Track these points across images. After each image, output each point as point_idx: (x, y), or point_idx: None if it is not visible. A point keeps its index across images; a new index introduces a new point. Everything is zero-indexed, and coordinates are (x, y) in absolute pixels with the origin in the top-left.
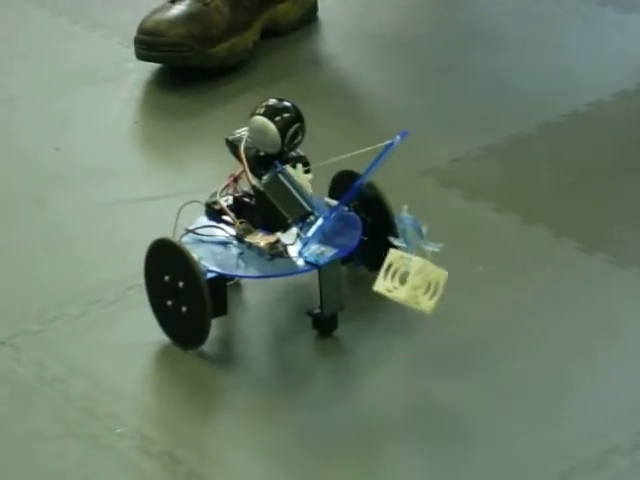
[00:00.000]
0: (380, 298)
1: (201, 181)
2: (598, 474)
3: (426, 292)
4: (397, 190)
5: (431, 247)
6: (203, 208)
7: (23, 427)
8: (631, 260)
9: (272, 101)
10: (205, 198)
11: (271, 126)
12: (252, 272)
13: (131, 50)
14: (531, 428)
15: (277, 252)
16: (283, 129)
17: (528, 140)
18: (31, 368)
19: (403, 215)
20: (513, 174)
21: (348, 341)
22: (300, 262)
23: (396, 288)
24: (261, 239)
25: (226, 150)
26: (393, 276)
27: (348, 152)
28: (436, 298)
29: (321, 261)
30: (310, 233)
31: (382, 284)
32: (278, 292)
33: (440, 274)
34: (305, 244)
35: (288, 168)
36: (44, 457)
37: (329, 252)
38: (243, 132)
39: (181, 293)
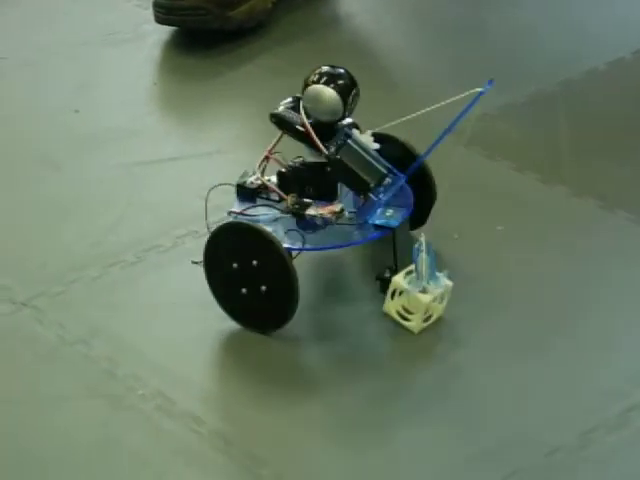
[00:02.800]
0: None
1: (221, 142)
2: (619, 433)
3: (434, 303)
4: (417, 149)
5: (440, 288)
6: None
7: (45, 388)
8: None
9: (325, 68)
10: (222, 160)
11: (332, 93)
12: (331, 243)
13: (149, 11)
14: (550, 386)
15: (341, 220)
16: (343, 95)
17: (548, 99)
18: (52, 330)
19: (419, 249)
20: (533, 133)
21: None
22: (367, 228)
23: (407, 319)
24: (324, 210)
25: (246, 111)
26: (400, 295)
27: (373, 111)
28: (443, 304)
29: (393, 222)
30: (386, 195)
31: (391, 306)
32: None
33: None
34: (379, 207)
35: (355, 132)
36: (66, 418)
37: (397, 213)
38: (288, 104)
39: (261, 275)
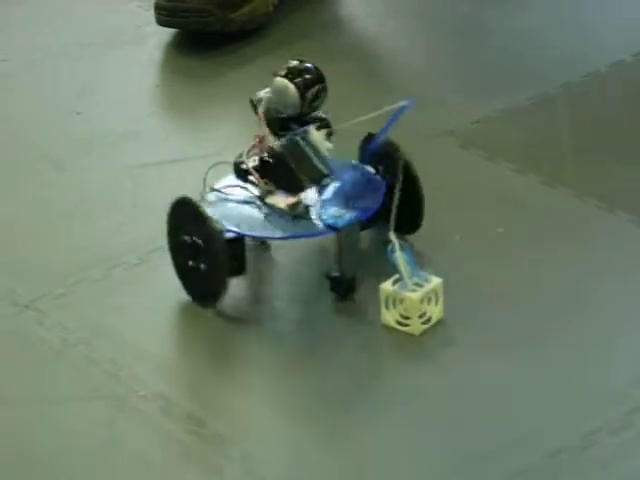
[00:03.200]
0: None
1: (223, 143)
2: (622, 434)
3: (430, 304)
4: (418, 151)
5: (425, 282)
6: (232, 168)
7: (47, 390)
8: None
9: (293, 62)
10: (229, 159)
11: (291, 87)
12: (270, 233)
13: (151, 13)
14: (552, 387)
15: (298, 213)
16: (303, 90)
17: (549, 101)
18: (54, 331)
19: (393, 250)
20: (534, 135)
21: (365, 304)
22: (320, 224)
23: (406, 325)
24: (282, 200)
25: (248, 112)
26: (394, 304)
27: (370, 113)
28: (440, 304)
29: (340, 223)
30: (326, 195)
31: (389, 316)
32: (304, 253)
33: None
34: (322, 206)
35: (311, 129)
36: (68, 420)
37: (348, 215)
38: (265, 93)
39: (200, 251)
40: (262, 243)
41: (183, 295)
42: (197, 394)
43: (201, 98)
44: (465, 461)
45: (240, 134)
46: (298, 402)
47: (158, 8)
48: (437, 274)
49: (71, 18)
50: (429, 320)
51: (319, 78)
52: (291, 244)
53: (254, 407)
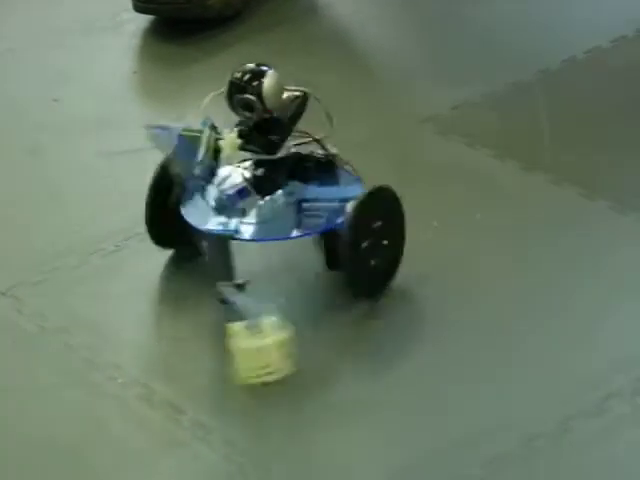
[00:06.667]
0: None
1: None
2: (599, 419)
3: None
4: (397, 138)
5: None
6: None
7: (25, 378)
8: (631, 206)
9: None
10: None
11: None
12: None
13: (128, 0)
14: (531, 373)
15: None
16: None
17: (527, 87)
18: (32, 319)
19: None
20: (513, 121)
21: None
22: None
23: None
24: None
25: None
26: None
27: (349, 98)
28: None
29: (229, 231)
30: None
31: (250, 371)
32: None
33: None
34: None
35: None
36: (46, 407)
37: (250, 227)
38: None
39: None
40: None
41: (161, 282)
42: (176, 381)
43: (179, 85)
44: (445, 446)
45: (215, 122)
46: (276, 390)
47: None
48: (414, 264)
49: (47, 5)
50: (270, 373)
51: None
52: None
53: (234, 394)
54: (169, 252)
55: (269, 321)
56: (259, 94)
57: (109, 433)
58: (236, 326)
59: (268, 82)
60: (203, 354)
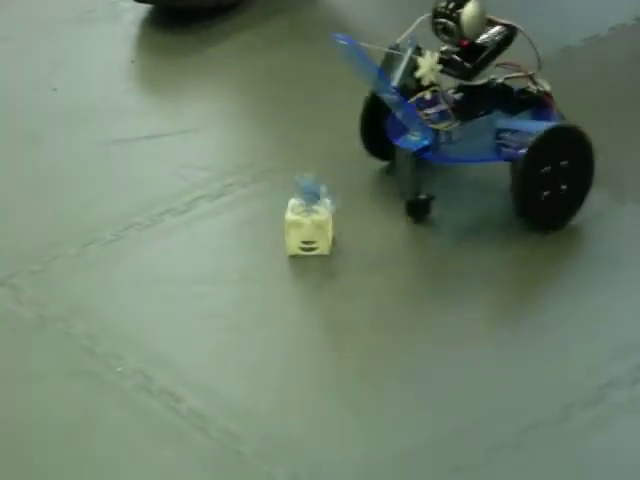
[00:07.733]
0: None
1: (199, 119)
2: (597, 407)
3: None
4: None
5: (325, 208)
6: None
7: (24, 366)
8: (630, 196)
9: None
10: (200, 137)
11: None
12: None
13: None
14: (531, 362)
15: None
16: None
17: None
18: (31, 308)
19: (301, 179)
20: None
21: None
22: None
23: (312, 248)
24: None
25: (224, 87)
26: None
27: (348, 87)
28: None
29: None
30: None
31: (293, 245)
32: None
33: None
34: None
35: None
36: (45, 396)
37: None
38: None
39: None
40: None
41: (159, 270)
42: (174, 370)
43: (177, 74)
44: (445, 434)
45: (216, 110)
46: (267, 376)
47: None
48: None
49: None
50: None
51: None
52: None
53: (232, 384)
54: (167, 242)
55: (322, 204)
56: (457, 20)
57: (108, 421)
58: (294, 202)
59: (468, 9)
60: (202, 342)
